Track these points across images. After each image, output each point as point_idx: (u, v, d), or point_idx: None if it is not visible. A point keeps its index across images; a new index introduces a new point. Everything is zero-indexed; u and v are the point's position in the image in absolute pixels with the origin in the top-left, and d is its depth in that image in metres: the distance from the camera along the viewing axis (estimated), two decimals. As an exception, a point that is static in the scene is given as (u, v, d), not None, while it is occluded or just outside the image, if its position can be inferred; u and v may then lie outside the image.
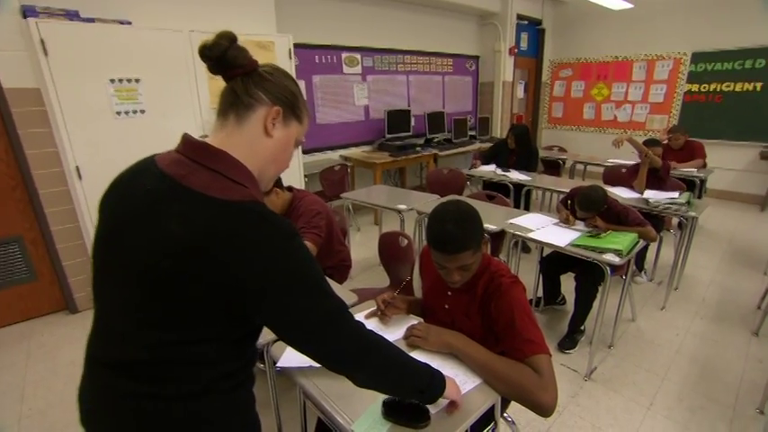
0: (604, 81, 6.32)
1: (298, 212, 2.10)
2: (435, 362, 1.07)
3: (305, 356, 1.00)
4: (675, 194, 2.83)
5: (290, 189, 2.21)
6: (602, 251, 2.04)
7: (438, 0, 5.18)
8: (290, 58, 3.67)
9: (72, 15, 2.64)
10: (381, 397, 0.99)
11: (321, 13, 4.40)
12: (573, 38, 6.52)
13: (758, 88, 5.00)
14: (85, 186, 2.75)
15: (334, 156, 4.82)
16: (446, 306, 1.35)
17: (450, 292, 1.34)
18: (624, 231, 2.24)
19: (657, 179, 3.10)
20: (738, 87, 5.14)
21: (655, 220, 2.75)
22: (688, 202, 2.70)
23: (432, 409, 0.99)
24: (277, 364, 1.19)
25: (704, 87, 5.40)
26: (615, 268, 2.08)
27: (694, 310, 2.82)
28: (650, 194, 2.93)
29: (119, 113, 2.83)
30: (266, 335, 1.30)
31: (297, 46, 4.11)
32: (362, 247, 4.01)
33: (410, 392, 0.91)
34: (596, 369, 2.26)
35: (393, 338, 1.30)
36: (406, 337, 1.27)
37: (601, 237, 2.18)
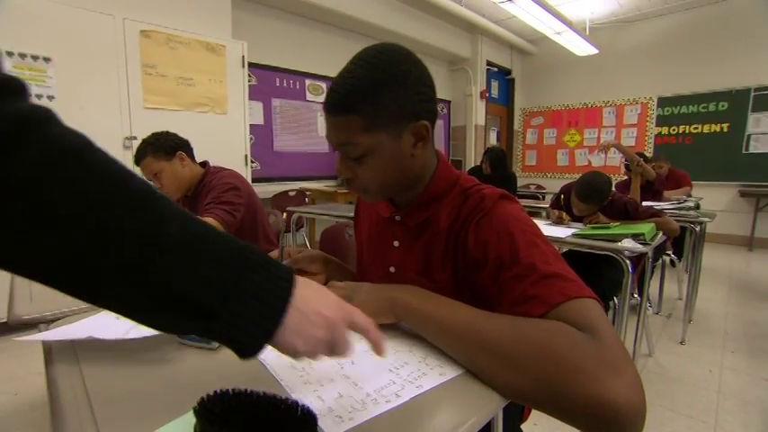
0: (576, 127, 6.29)
1: (209, 187, 1.55)
2: (365, 342, 0.50)
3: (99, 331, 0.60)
4: (682, 198, 2.42)
5: (203, 165, 1.68)
6: (617, 238, 1.52)
7: (409, 41, 5.12)
8: (244, 66, 3.32)
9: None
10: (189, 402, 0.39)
11: (285, 35, 4.18)
12: (542, 86, 6.60)
13: (725, 129, 5.00)
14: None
15: (293, 187, 4.32)
16: (391, 269, 0.79)
17: (396, 242, 0.78)
18: (637, 224, 1.76)
19: (653, 193, 2.72)
20: (706, 129, 5.13)
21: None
22: (697, 206, 2.28)
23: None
24: (26, 337, 0.57)
25: (673, 130, 5.38)
26: (633, 261, 1.55)
27: (720, 344, 2.28)
28: (650, 204, 2.52)
29: (14, 95, 2.30)
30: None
31: (256, 65, 3.81)
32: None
33: (154, 301, 0.33)
34: (617, 416, 1.64)
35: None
36: None
37: (610, 227, 1.68)
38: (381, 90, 0.64)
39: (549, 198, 4.63)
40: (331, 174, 4.65)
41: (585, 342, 0.49)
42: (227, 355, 0.51)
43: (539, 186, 5.07)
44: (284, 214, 2.60)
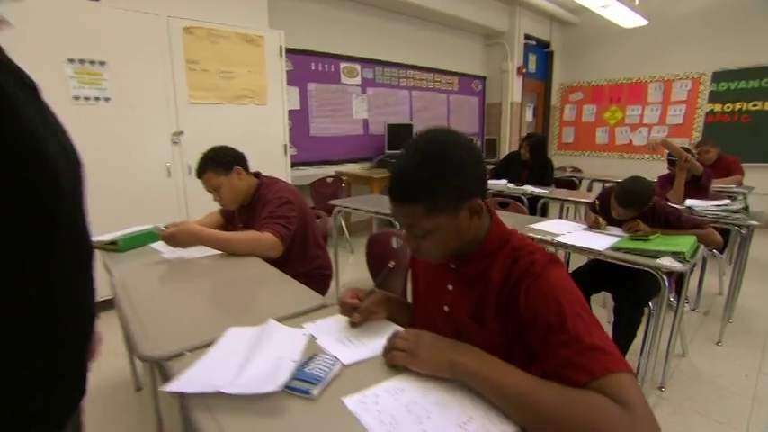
0: (617, 104, 6.01)
1: (264, 200, 1.67)
2: (433, 393, 0.59)
3: (217, 377, 0.74)
4: (726, 201, 2.36)
5: (257, 175, 1.79)
6: (656, 255, 1.55)
7: (444, 17, 4.97)
8: (281, 56, 3.37)
9: (29, -14, 2.33)
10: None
11: (319, 18, 4.16)
12: (583, 60, 6.28)
13: (789, 107, 4.64)
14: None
15: (329, 171, 4.42)
16: (445, 308, 0.88)
17: (450, 286, 0.87)
18: (678, 234, 1.76)
19: (698, 188, 2.64)
20: None
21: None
22: (745, 209, 2.22)
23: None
24: (166, 387, 0.71)
25: (728, 107, 5.04)
26: (670, 277, 1.58)
27: (760, 346, 2.27)
28: (693, 203, 2.47)
29: (77, 99, 2.47)
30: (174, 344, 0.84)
31: (292, 51, 3.83)
32: (355, 268, 3.54)
33: None
34: (647, 418, 1.71)
35: (359, 357, 0.82)
36: (385, 353, 0.79)
37: (649, 239, 1.70)
38: (438, 180, 0.72)
39: (585, 183, 4.54)
40: (364, 156, 4.72)
41: (623, 418, 0.57)
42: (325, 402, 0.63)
43: (575, 169, 4.92)
44: (331, 216, 2.68)
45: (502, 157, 5.81)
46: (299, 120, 4.08)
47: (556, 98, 6.70)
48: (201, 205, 2.98)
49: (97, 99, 2.55)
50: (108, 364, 2.05)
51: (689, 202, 2.49)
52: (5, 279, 0.47)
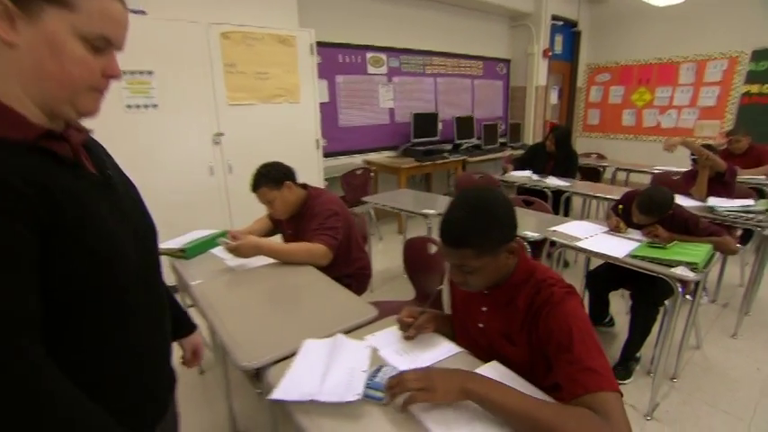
0: (646, 85, 5.89)
1: (312, 212, 1.86)
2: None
3: (306, 386, 0.93)
4: (749, 201, 2.42)
5: (304, 187, 1.98)
6: (671, 264, 1.68)
7: (468, 0, 4.94)
8: (312, 53, 3.49)
9: (85, 4, 2.52)
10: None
11: (345, 10, 4.22)
12: (612, 40, 6.13)
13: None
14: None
15: (357, 160, 4.59)
16: (480, 325, 1.07)
17: (484, 308, 1.06)
18: (694, 242, 1.88)
19: (722, 185, 2.68)
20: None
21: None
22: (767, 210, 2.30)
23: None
24: (270, 395, 0.92)
25: (767, 88, 4.89)
26: (683, 284, 1.72)
27: (775, 340, 2.39)
28: (715, 202, 2.54)
29: (129, 107, 2.68)
30: (263, 355, 1.05)
31: (319, 44, 3.92)
32: (385, 256, 3.73)
33: None
34: (659, 405, 1.89)
35: (419, 363, 1.02)
36: (393, 391, 0.86)
37: (666, 247, 1.83)
38: (485, 230, 0.91)
39: (609, 171, 4.56)
40: (391, 144, 4.85)
41: (598, 424, 0.74)
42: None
43: (599, 156, 4.92)
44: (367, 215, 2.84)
45: (525, 142, 5.86)
46: (328, 112, 4.22)
47: (582, 79, 6.60)
48: (241, 200, 3.24)
49: (146, 106, 2.76)
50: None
51: (711, 200, 2.56)
52: (93, 336, 0.62)
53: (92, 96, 0.61)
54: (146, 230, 0.76)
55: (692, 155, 2.81)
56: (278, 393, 0.91)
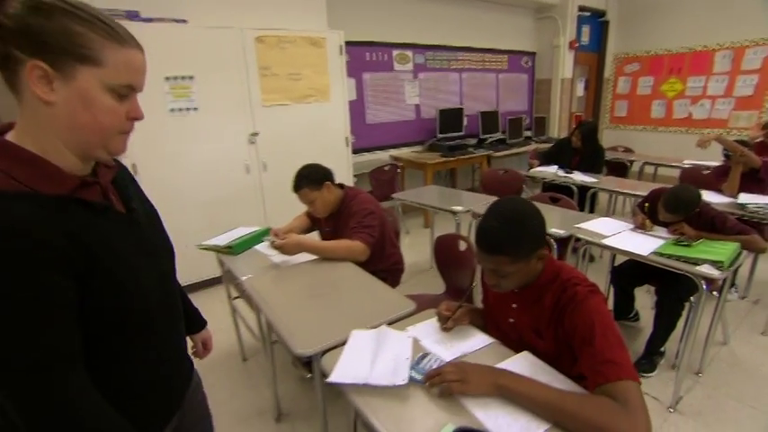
0: (677, 75, 5.74)
1: (350, 211, 1.99)
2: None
3: (358, 371, 1.06)
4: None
5: (341, 186, 2.10)
6: (697, 262, 1.73)
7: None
8: (341, 54, 3.60)
9: (133, 16, 2.70)
10: (450, 424, 0.84)
11: (372, 9, 4.30)
12: (641, 29, 5.98)
13: None
14: (141, 183, 2.79)
15: (384, 156, 4.70)
16: (510, 320, 1.18)
17: (515, 304, 1.16)
18: (721, 240, 1.91)
19: (756, 181, 2.66)
20: None
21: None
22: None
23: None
24: (328, 379, 1.06)
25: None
26: (708, 282, 1.77)
27: (805, 338, 2.39)
28: (746, 198, 2.53)
29: (172, 111, 2.87)
30: (316, 344, 1.19)
31: (347, 43, 4.02)
32: (412, 250, 3.85)
33: None
34: (682, 399, 1.95)
35: (454, 355, 1.13)
36: (432, 381, 0.98)
37: (692, 245, 1.87)
38: (519, 239, 1.01)
39: (636, 165, 4.51)
40: (417, 139, 4.94)
41: (616, 409, 0.83)
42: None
43: (626, 149, 4.86)
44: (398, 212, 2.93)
45: (550, 135, 5.83)
46: (355, 109, 4.32)
47: (609, 70, 6.48)
48: (276, 197, 3.40)
49: (188, 110, 2.94)
50: (216, 338, 2.53)
51: (742, 197, 2.55)
52: (114, 354, 0.68)
53: (120, 138, 0.67)
54: (166, 255, 0.84)
55: (725, 150, 2.79)
56: (334, 377, 1.05)
